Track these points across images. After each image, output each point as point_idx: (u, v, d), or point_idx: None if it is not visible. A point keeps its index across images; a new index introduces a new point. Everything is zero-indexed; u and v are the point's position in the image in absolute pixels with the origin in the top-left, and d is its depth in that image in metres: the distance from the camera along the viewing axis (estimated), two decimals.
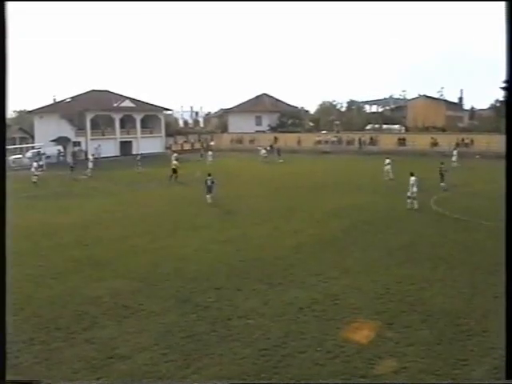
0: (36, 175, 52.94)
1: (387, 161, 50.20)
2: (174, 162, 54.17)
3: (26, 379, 12.00)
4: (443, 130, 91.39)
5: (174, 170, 52.56)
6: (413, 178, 34.43)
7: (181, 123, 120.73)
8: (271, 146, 77.72)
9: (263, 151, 72.45)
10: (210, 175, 39.57)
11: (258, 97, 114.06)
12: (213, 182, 39.10)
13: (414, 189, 34.08)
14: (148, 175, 58.06)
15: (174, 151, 76.09)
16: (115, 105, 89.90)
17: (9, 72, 4.31)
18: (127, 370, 13.13)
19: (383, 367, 12.97)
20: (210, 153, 71.20)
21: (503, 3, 4.31)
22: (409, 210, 33.51)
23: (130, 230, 29.76)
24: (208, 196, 38.65)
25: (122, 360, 13.70)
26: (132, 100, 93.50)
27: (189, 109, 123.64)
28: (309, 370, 12.90)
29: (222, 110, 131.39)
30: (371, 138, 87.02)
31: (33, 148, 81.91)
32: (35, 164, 56.63)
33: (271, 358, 13.58)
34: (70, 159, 78.62)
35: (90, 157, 64.38)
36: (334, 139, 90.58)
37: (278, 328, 15.52)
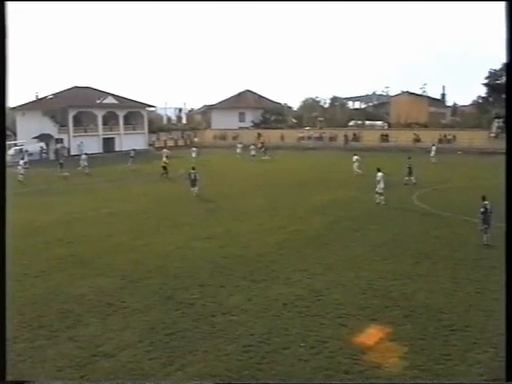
0: (22, 174, 52.42)
1: (355, 157, 50.65)
2: (164, 159, 54.33)
3: (26, 379, 12.10)
4: (426, 126, 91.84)
5: (164, 167, 52.58)
6: (379, 174, 34.88)
7: (164, 120, 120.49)
8: (263, 144, 76.55)
9: (252, 150, 70.35)
10: (193, 169, 41.31)
11: (241, 93, 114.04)
12: (195, 176, 40.28)
13: (382, 184, 34.42)
14: (133, 172, 57.91)
15: (162, 148, 75.93)
16: (98, 101, 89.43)
17: (9, 72, 4.29)
18: (111, 368, 13.11)
19: (366, 363, 13.03)
20: (194, 149, 70.86)
21: (503, 3, 4.34)
22: (393, 206, 33.62)
23: (115, 228, 29.67)
24: (192, 189, 39.99)
25: (105, 358, 13.68)
26: (115, 96, 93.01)
27: (172, 105, 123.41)
28: (292, 366, 12.94)
29: (205, 106, 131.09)
30: (354, 135, 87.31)
31: (15, 145, 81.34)
32: (21, 162, 55.99)
33: (255, 354, 13.62)
34: (52, 156, 78.23)
35: (84, 155, 63.14)
36: (317, 135, 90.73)
37: (262, 324, 15.56)
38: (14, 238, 27.22)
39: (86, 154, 64.89)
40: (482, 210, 23.45)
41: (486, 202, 23.46)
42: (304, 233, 27.26)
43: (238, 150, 72.39)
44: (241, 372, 12.74)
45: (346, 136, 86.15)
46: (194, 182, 40.26)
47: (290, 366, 12.99)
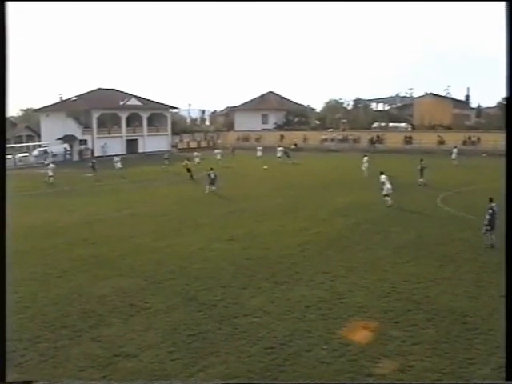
0: (51, 176, 51.91)
1: (365, 159, 51.82)
2: (186, 162, 54.68)
3: (27, 379, 12.14)
4: (450, 128, 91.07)
5: (188, 170, 52.76)
6: (383, 177, 35.85)
7: (188, 121, 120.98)
8: (296, 145, 77.59)
9: (278, 152, 69.17)
10: (212, 169, 43.97)
11: (264, 95, 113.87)
12: (215, 176, 43.41)
13: (388, 185, 34.94)
14: (156, 173, 58.10)
15: (184, 149, 75.76)
16: (121, 103, 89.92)
17: (9, 72, 4.29)
18: (133, 368, 13.14)
19: (389, 366, 12.96)
20: (217, 151, 70.66)
21: (503, 3, 4.30)
22: (415, 208, 33.41)
23: (137, 229, 29.79)
24: (209, 187, 42.71)
25: (128, 358, 13.72)
26: (138, 98, 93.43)
27: (195, 107, 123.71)
28: (314, 369, 12.90)
29: (228, 108, 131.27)
30: (378, 136, 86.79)
31: (39, 146, 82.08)
32: (48, 162, 55.38)
33: (277, 356, 13.58)
34: (76, 157, 78.78)
35: (116, 158, 62.93)
36: (341, 137, 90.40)
37: (284, 326, 15.52)
38: (38, 238, 27.64)
39: (117, 155, 65.16)
40: (491, 211, 23.60)
41: (494, 204, 23.51)
42: (326, 235, 27.17)
43: (259, 153, 71.84)
44: (263, 373, 12.71)
45: (371, 138, 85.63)
46: (212, 181, 43.04)
47: (312, 368, 12.94)
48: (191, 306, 17.47)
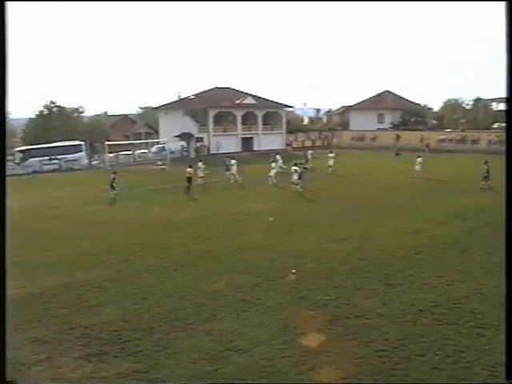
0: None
1: (419, 160, 51.18)
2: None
3: (28, 381, 12.58)
4: None
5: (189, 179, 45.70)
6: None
7: (306, 120, 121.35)
8: (427, 146, 79.40)
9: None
10: (295, 164, 46.56)
11: (380, 94, 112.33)
12: (305, 168, 51.08)
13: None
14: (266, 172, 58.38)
15: (299, 148, 75.51)
16: (237, 102, 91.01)
17: (9, 72, 4.37)
18: (244, 364, 13.26)
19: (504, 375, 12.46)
20: (330, 155, 69.36)
21: (503, 3, 4.18)
22: None
23: (248, 226, 30.08)
24: (297, 182, 44.17)
25: (239, 353, 13.86)
26: (254, 97, 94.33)
27: (311, 106, 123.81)
28: (427, 374, 12.59)
29: (343, 107, 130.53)
30: (497, 137, 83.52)
31: (158, 143, 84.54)
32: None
33: (389, 359, 13.34)
34: (193, 154, 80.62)
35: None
36: (459, 138, 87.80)
37: (397, 330, 15.22)
38: (154, 232, 28.43)
39: (230, 153, 65.67)
40: None
41: None
42: (442, 238, 26.46)
43: (276, 165, 66.85)
44: (373, 376, 12.53)
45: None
46: (299, 177, 44.70)
47: (425, 373, 12.64)
48: (303, 304, 17.47)
